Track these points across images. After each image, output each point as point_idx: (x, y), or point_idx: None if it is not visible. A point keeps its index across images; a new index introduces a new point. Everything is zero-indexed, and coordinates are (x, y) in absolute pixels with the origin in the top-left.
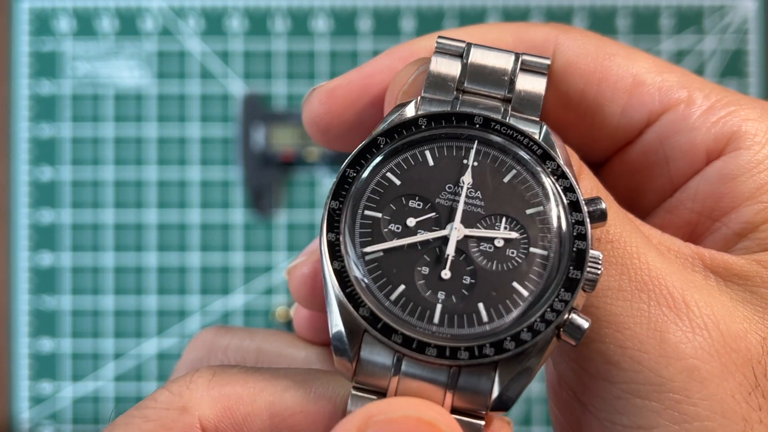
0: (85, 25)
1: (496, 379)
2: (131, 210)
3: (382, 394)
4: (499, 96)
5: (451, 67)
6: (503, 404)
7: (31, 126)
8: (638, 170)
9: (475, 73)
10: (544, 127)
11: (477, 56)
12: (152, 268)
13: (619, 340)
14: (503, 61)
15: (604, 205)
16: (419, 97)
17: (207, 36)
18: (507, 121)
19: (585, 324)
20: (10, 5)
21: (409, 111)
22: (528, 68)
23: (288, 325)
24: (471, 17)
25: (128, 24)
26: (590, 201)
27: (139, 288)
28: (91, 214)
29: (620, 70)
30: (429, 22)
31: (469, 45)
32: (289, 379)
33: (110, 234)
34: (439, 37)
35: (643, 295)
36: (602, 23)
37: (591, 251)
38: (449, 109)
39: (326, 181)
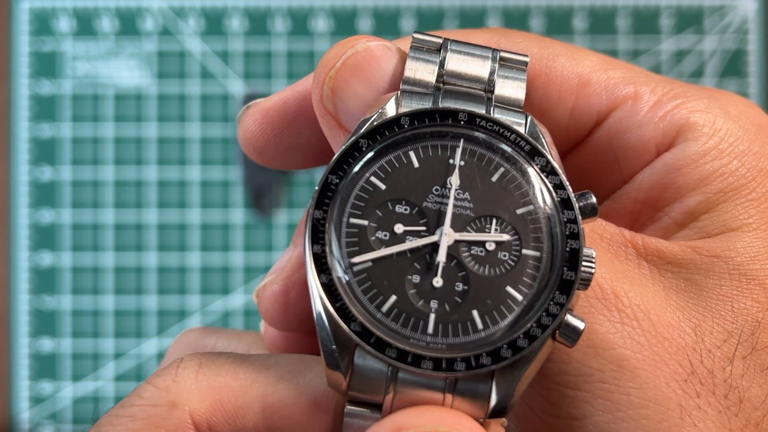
0: (85, 25)
1: (494, 386)
2: (131, 210)
3: (377, 406)
4: (480, 88)
5: (428, 66)
6: (501, 411)
7: (31, 126)
8: (589, 169)
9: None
10: (530, 118)
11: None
12: (152, 268)
13: None
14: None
15: (594, 200)
16: (399, 92)
17: (207, 36)
18: (492, 116)
19: (581, 325)
20: (10, 5)
21: (390, 108)
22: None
23: None
24: (471, 17)
25: (128, 24)
26: (581, 196)
27: (139, 288)
28: (91, 214)
29: (565, 70)
30: (429, 22)
31: (446, 41)
32: (281, 368)
33: (110, 234)
34: (415, 32)
35: None
36: (602, 23)
37: (585, 249)
38: (431, 101)
39: None
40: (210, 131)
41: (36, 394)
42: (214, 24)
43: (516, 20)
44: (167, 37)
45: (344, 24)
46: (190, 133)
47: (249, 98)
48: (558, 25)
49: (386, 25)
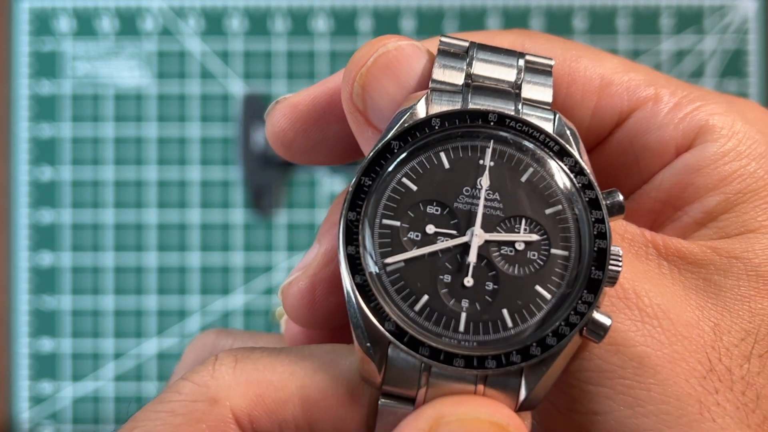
0: (85, 25)
1: (523, 382)
2: (131, 210)
3: (410, 400)
4: (508, 87)
5: (455, 69)
6: (530, 405)
7: (31, 126)
8: (610, 170)
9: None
10: (558, 115)
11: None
12: (152, 268)
13: None
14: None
15: (621, 198)
16: (429, 90)
17: (207, 36)
18: (521, 117)
19: (608, 321)
20: (10, 5)
21: (420, 106)
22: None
23: None
24: (471, 17)
25: (128, 24)
26: (608, 194)
27: (139, 288)
28: (91, 214)
29: (587, 71)
30: (429, 22)
31: (472, 45)
32: (317, 360)
33: (110, 234)
34: (442, 36)
35: None
36: (602, 23)
37: (612, 247)
38: (460, 99)
39: (326, 181)
40: (210, 131)
41: (36, 394)
42: (214, 24)
43: (516, 20)
44: (167, 37)
45: (344, 24)
46: (190, 133)
47: (249, 98)
48: (558, 25)
49: (386, 25)
